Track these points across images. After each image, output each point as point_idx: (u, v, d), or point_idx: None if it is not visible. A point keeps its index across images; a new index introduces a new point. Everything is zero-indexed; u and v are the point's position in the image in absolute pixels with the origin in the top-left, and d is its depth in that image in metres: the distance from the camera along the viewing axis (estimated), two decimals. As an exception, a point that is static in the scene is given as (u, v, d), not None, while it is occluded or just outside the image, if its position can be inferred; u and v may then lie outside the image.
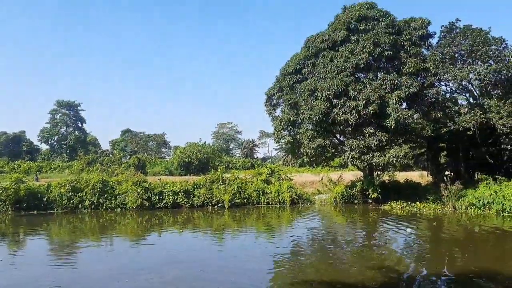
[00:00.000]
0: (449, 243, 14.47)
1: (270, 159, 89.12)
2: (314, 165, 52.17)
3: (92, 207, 23.45)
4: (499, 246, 13.86)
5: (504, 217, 19.33)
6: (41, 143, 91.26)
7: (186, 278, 10.02)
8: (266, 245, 14.21)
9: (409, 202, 23.14)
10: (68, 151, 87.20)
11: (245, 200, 24.90)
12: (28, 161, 69.92)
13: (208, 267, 10.97)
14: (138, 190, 23.68)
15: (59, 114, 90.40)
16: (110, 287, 9.58)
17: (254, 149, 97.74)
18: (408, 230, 16.48)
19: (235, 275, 10.18)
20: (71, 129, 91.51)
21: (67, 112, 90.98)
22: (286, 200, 24.97)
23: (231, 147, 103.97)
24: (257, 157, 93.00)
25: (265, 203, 24.95)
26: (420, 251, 13.23)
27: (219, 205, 24.26)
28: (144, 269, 10.73)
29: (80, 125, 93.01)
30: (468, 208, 21.15)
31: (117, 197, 23.85)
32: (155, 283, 9.62)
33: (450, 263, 11.49)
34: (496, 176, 23.16)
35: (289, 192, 25.30)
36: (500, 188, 21.33)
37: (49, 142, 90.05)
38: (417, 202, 23.00)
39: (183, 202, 24.26)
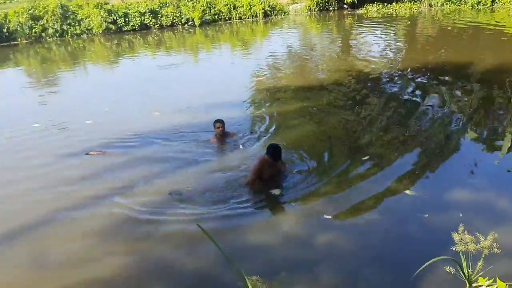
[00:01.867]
0: (422, 42, 14.58)
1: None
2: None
3: (57, 35, 22.17)
4: (470, 41, 14.04)
5: (478, 10, 19.23)
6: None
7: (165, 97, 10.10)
8: (243, 60, 14.11)
9: (385, 4, 22.52)
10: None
11: (215, 17, 23.78)
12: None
13: (185, 84, 10.99)
14: (101, 14, 22.19)
15: None
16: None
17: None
18: (383, 32, 16.40)
19: (214, 86, 10.26)
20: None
21: None
22: (259, 13, 23.95)
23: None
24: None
25: (237, 18, 23.94)
26: (393, 51, 13.36)
27: (189, 23, 23.23)
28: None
29: None
30: (444, 4, 20.79)
31: (81, 22, 22.45)
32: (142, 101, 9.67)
33: (420, 61, 11.67)
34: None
35: (261, 4, 24.09)
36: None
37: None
38: (393, 3, 22.40)
39: (151, 23, 23.06)
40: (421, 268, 2.18)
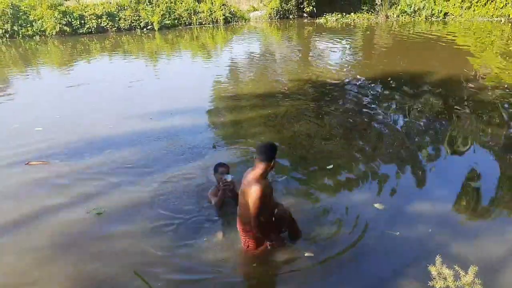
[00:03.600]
0: (379, 52, 14.92)
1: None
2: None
3: (7, 36, 21.12)
4: (424, 52, 14.47)
5: (432, 22, 19.95)
6: None
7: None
8: (204, 66, 13.92)
9: (344, 14, 22.98)
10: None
11: (175, 21, 23.42)
12: None
13: (143, 91, 10.68)
14: (55, 15, 21.34)
15: None
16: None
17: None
18: (341, 41, 16.67)
19: (174, 92, 10.02)
20: None
21: None
22: (220, 19, 23.82)
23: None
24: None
25: (197, 24, 23.71)
26: (351, 60, 13.58)
27: (148, 27, 22.75)
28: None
29: None
30: (400, 15, 21.45)
31: (33, 23, 21.49)
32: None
33: (377, 70, 11.92)
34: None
35: (222, 10, 23.98)
36: (431, -6, 21.49)
37: None
38: (352, 13, 22.89)
39: (108, 26, 22.42)
40: None
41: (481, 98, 8.85)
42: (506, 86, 9.51)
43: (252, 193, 3.62)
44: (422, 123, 7.60)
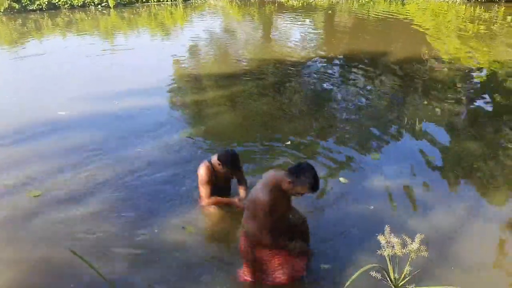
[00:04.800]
0: (340, 31, 15.00)
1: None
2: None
3: None
4: (383, 31, 14.66)
5: (390, 1, 20.24)
6: None
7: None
8: (163, 45, 13.52)
9: (305, -7, 22.90)
10: None
11: (132, -2, 22.61)
12: None
13: (103, 66, 10.23)
14: (2, -9, 20.10)
15: None
16: None
17: None
18: (303, 20, 16.61)
19: (131, 72, 9.65)
20: None
21: None
22: (179, -4, 23.19)
23: None
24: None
25: (155, 1, 22.94)
26: (312, 39, 13.57)
27: (102, 4, 21.81)
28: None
29: None
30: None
31: (-23, 0, 20.16)
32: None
33: (338, 49, 11.99)
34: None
35: (180, -14, 23.30)
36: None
37: None
38: (312, -7, 22.82)
39: (60, 2, 21.33)
40: (351, 279, 2.05)
41: (436, 77, 9.07)
42: (459, 65, 9.80)
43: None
44: (380, 101, 7.78)
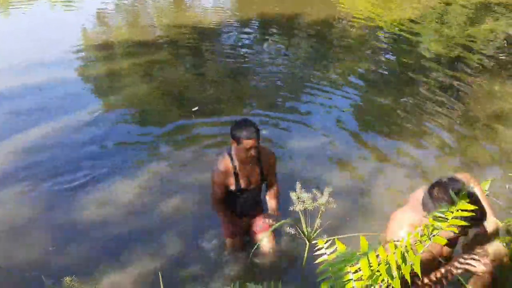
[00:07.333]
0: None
1: None
2: None
3: None
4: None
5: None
6: None
7: None
8: (66, 15, 12.44)
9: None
10: None
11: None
12: None
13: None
14: None
15: None
16: None
17: None
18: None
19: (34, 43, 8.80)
20: None
21: None
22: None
23: None
24: None
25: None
26: (226, 3, 13.43)
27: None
28: None
29: None
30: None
31: None
32: None
33: (253, 14, 11.84)
34: None
35: None
36: None
37: None
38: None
39: None
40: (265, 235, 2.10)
41: (349, 38, 9.42)
42: (371, 26, 10.23)
43: None
44: (296, 64, 7.98)
